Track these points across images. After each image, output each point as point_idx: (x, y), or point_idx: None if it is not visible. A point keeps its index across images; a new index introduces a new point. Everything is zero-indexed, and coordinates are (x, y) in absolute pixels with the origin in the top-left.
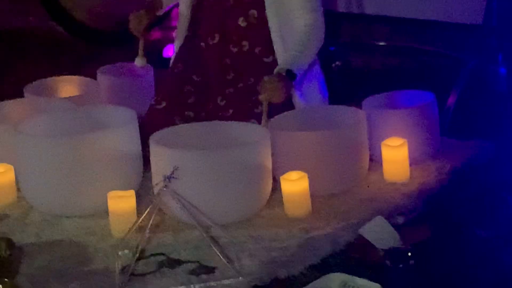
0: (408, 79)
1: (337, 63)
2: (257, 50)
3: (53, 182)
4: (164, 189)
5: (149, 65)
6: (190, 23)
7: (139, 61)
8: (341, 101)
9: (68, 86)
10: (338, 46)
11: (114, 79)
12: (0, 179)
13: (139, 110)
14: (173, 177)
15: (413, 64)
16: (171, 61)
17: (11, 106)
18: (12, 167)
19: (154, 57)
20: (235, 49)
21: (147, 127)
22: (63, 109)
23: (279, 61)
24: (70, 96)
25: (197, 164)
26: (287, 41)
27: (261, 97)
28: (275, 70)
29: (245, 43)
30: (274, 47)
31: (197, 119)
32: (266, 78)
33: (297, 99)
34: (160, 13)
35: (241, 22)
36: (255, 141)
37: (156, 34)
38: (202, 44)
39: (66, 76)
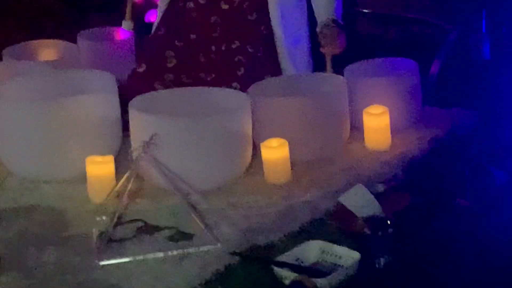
0: (391, 47)
1: None
2: (245, 5)
3: (30, 146)
4: (143, 155)
5: (130, 31)
6: None
7: (126, 25)
8: (324, 68)
9: (48, 50)
10: None
11: (94, 44)
12: None
13: (119, 75)
14: (151, 143)
15: (397, 32)
16: (154, 26)
17: None
18: None
19: (136, 22)
20: (225, 6)
21: (127, 92)
22: (42, 73)
23: (320, 13)
24: (49, 60)
25: (176, 130)
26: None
27: (323, 50)
28: (321, 23)
29: None
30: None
31: (176, 81)
32: (324, 30)
33: (287, 64)
34: None
35: None
36: (235, 108)
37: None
38: (191, 4)
39: (46, 40)
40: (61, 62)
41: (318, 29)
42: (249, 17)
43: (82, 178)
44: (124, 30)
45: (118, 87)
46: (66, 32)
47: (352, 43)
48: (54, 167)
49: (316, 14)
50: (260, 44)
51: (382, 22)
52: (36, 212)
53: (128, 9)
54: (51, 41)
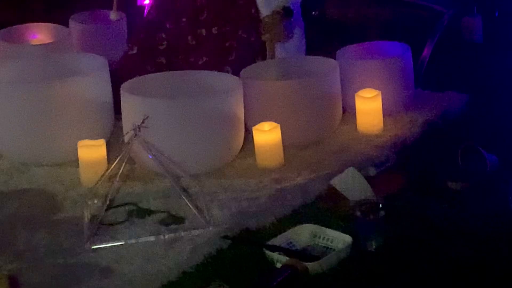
0: (384, 30)
1: (314, 12)
2: None
3: (22, 129)
4: (134, 138)
5: (122, 12)
6: None
7: (113, 15)
8: (317, 51)
9: (40, 33)
10: None
11: (86, 26)
12: None
13: (111, 57)
14: (143, 126)
15: (390, 14)
16: (146, 9)
17: None
18: None
19: (130, 5)
20: None
21: (120, 74)
22: (34, 56)
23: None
24: (41, 44)
25: (168, 113)
26: None
27: (263, 37)
28: (272, 10)
29: None
30: None
31: (169, 65)
32: (267, 17)
33: (278, 47)
34: None
35: None
36: (226, 90)
37: None
38: None
39: (38, 23)
40: (54, 45)
41: (265, 18)
42: (239, 1)
43: (74, 161)
44: (118, 13)
45: (110, 70)
46: (57, 14)
47: (344, 27)
48: (45, 150)
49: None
50: (253, 27)
51: (375, 4)
52: (27, 195)
53: (115, 1)
54: (43, 24)
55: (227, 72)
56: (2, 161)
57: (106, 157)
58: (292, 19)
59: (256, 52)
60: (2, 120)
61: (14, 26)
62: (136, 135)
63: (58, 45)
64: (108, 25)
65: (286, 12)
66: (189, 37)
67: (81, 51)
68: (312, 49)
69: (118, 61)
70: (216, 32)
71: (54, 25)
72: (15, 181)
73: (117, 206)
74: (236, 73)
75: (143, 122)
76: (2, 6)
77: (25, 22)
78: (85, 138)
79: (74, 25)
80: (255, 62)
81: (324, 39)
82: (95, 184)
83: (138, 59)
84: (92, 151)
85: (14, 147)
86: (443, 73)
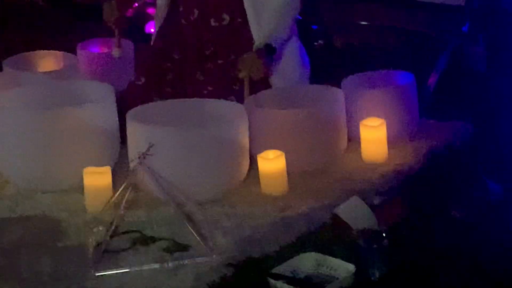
0: (389, 59)
1: (319, 41)
2: (237, 22)
3: (28, 156)
4: (139, 165)
5: (129, 41)
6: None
7: (115, 52)
8: (322, 80)
9: (48, 60)
10: (320, 25)
11: (93, 54)
12: None
13: (118, 85)
14: (148, 154)
15: (395, 43)
16: (152, 38)
17: None
18: None
19: (136, 32)
20: (215, 24)
21: (126, 103)
22: (41, 83)
23: (254, 36)
24: (49, 71)
25: (173, 141)
26: (261, 13)
27: (240, 74)
28: (254, 46)
29: (225, 16)
30: (249, 21)
31: (175, 95)
32: (245, 55)
33: (273, 78)
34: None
35: None
36: (231, 119)
37: (139, 10)
38: (183, 20)
39: (46, 51)
40: (61, 72)
41: (244, 55)
42: (244, 33)
43: (79, 188)
44: (125, 41)
45: (117, 98)
46: (66, 42)
47: (350, 55)
48: (51, 177)
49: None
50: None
51: (380, 33)
52: (32, 222)
53: (116, 37)
54: (50, 51)
55: (232, 101)
56: (8, 187)
57: (111, 184)
58: (273, 56)
59: (261, 83)
60: (9, 146)
61: (22, 54)
62: (141, 163)
63: (65, 72)
64: None
65: (267, 50)
66: (197, 74)
67: (88, 78)
68: (317, 78)
69: (124, 89)
70: (222, 62)
71: (62, 52)
72: (21, 207)
73: (122, 233)
74: (241, 103)
75: (148, 150)
76: (11, 34)
77: (33, 49)
78: (91, 165)
79: (82, 53)
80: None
81: (330, 68)
82: (100, 211)
83: (144, 89)
84: (97, 178)
85: (20, 173)
86: (448, 102)
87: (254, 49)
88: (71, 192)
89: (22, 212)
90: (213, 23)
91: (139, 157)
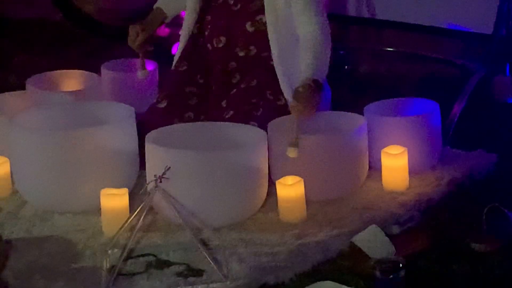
0: (415, 86)
1: (346, 67)
2: (264, 54)
3: (46, 176)
4: (155, 188)
5: (154, 62)
6: (197, 21)
7: (140, 74)
8: (346, 106)
9: (71, 80)
10: (347, 50)
11: (117, 75)
12: None
13: (141, 107)
14: (164, 177)
15: (421, 71)
16: (175, 59)
17: (12, 98)
18: (8, 159)
19: (163, 54)
20: (241, 53)
21: (146, 126)
22: (62, 103)
23: (282, 80)
24: (71, 91)
25: (191, 164)
26: (287, 55)
27: (294, 109)
28: (301, 81)
29: (252, 47)
30: (275, 66)
31: (197, 121)
32: (300, 88)
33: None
34: (166, 21)
35: (248, 27)
36: (251, 143)
37: (165, 31)
38: (209, 45)
39: (69, 70)
40: (83, 92)
41: (299, 88)
42: (272, 63)
43: (96, 210)
44: (148, 62)
45: (138, 119)
46: (91, 62)
47: (375, 82)
48: (69, 198)
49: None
50: (282, 91)
51: (406, 61)
52: (48, 243)
53: (140, 59)
54: (74, 71)
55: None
56: (26, 208)
57: (128, 206)
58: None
59: (284, 113)
60: (26, 166)
61: (47, 72)
62: (157, 186)
63: (88, 92)
64: None
65: (317, 86)
66: (223, 102)
67: (111, 99)
68: (340, 104)
69: (145, 112)
70: (244, 86)
71: (85, 72)
72: (37, 228)
73: (136, 256)
74: (262, 128)
75: (164, 173)
76: (37, 52)
77: (59, 69)
78: (109, 187)
79: (106, 73)
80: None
81: (354, 94)
82: (115, 234)
83: (166, 113)
84: (114, 200)
85: (38, 194)
86: (472, 132)
87: (301, 84)
88: (89, 214)
89: (38, 234)
90: (240, 53)
91: (155, 180)
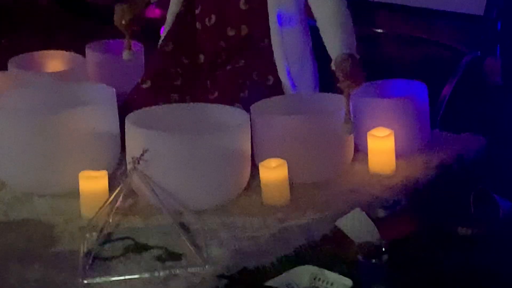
0: (405, 69)
1: None
2: (255, 33)
3: (25, 158)
4: (133, 171)
5: (139, 44)
6: None
7: (126, 55)
8: (334, 88)
9: (55, 61)
10: None
11: (102, 56)
12: None
13: (127, 88)
14: (142, 159)
15: (412, 53)
16: (161, 38)
17: None
18: None
19: (151, 35)
20: (232, 33)
21: (130, 107)
22: (42, 84)
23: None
24: (55, 71)
25: (171, 147)
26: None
27: (342, 85)
28: (337, 55)
29: (244, 27)
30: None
31: (182, 101)
32: (344, 63)
33: (287, 85)
34: (152, 1)
35: (242, 5)
36: (233, 125)
37: (155, 12)
38: (198, 24)
39: (53, 51)
40: (68, 73)
41: (333, 65)
42: (261, 44)
43: (77, 193)
44: (134, 43)
45: (124, 101)
46: (80, 44)
47: (365, 64)
48: (48, 180)
49: (330, 50)
50: (270, 71)
51: (397, 43)
52: (25, 226)
53: (126, 40)
54: (58, 51)
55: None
56: (5, 190)
57: (107, 189)
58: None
59: (270, 94)
60: (5, 148)
61: (28, 53)
62: (135, 168)
63: (72, 73)
64: None
65: (353, 59)
66: (207, 82)
67: (96, 81)
68: (331, 85)
69: (129, 93)
70: (230, 67)
71: (70, 53)
72: (15, 211)
73: (114, 240)
74: (247, 110)
75: (142, 155)
76: (25, 35)
77: (41, 50)
78: (89, 170)
79: (91, 54)
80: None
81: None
82: (92, 217)
83: (150, 93)
84: (93, 183)
85: (17, 176)
86: (462, 115)
87: (338, 62)
88: (69, 196)
89: (16, 217)
90: (229, 32)
91: (133, 162)
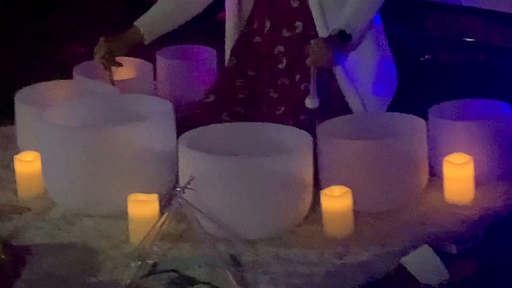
0: (495, 80)
1: (426, 56)
2: (311, 28)
3: (74, 176)
4: (179, 200)
5: (212, 49)
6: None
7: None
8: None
9: (122, 68)
10: (427, 39)
11: (172, 62)
12: (26, 168)
13: (194, 96)
14: (188, 188)
15: (503, 64)
16: (226, 58)
17: (56, 86)
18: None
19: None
20: (287, 34)
21: (191, 122)
22: (102, 95)
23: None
24: (120, 79)
25: (224, 170)
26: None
27: (308, 60)
28: (331, 30)
29: (298, 23)
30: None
31: (247, 115)
32: (313, 40)
33: (351, 97)
34: (145, 42)
35: (293, 2)
36: (293, 149)
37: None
38: (257, 38)
39: (121, 57)
40: (134, 81)
41: (311, 41)
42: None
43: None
44: (208, 49)
45: (187, 113)
46: (147, 50)
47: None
48: (98, 201)
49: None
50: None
51: (486, 52)
52: (68, 251)
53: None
54: (126, 58)
55: (304, 121)
56: (54, 209)
57: (157, 214)
58: (346, 46)
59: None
60: (55, 165)
61: (93, 61)
62: (180, 197)
63: (138, 82)
64: (195, 61)
65: (342, 37)
66: (271, 91)
67: (166, 87)
68: (402, 107)
69: (192, 108)
70: (299, 77)
71: (137, 59)
72: (61, 234)
73: (159, 272)
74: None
75: (188, 183)
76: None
77: None
78: (141, 191)
79: (160, 61)
80: (335, 111)
81: (436, 84)
82: (137, 246)
83: (213, 107)
84: (142, 207)
85: (65, 195)
86: None
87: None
88: (119, 218)
89: (61, 239)
90: (285, 34)
91: (178, 191)
